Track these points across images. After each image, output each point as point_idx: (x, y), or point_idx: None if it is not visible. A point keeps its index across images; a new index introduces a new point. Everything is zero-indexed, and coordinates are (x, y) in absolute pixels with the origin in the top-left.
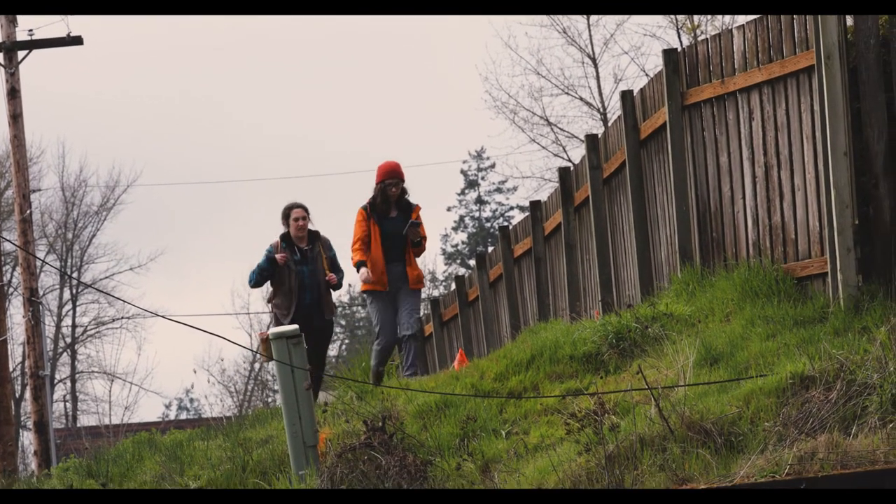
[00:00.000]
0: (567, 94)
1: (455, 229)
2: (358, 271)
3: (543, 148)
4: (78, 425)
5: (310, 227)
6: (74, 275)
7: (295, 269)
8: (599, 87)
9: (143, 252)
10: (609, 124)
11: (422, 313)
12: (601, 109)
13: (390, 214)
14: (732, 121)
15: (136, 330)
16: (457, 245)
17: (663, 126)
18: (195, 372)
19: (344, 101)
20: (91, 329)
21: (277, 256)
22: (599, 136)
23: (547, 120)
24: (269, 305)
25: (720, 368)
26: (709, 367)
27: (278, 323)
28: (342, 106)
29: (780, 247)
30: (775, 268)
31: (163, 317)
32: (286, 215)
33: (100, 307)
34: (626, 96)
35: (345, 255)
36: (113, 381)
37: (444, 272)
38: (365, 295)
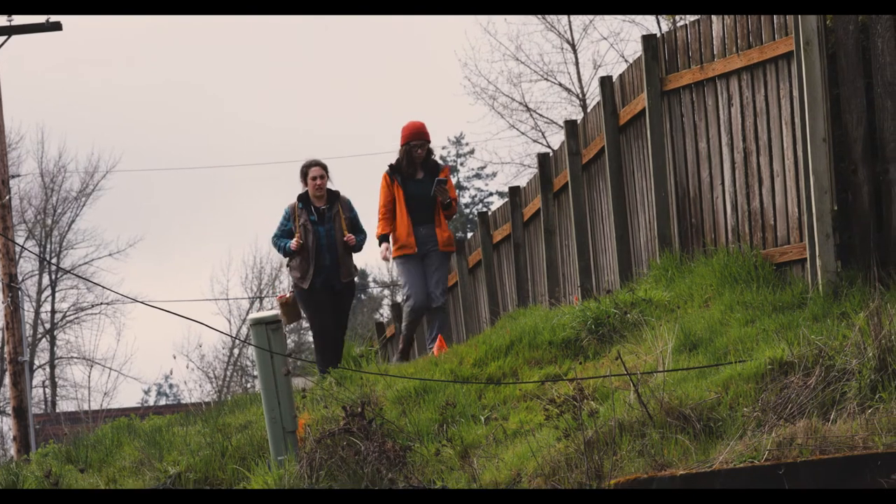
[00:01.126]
0: (546, 79)
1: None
2: (380, 245)
3: (522, 134)
4: (57, 411)
5: (329, 186)
6: (53, 261)
7: (312, 229)
8: (579, 72)
9: (122, 238)
10: (588, 110)
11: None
12: (580, 95)
13: (416, 176)
14: (711, 107)
15: (115, 316)
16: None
17: (642, 112)
18: (174, 357)
19: (323, 86)
20: (70, 315)
21: (291, 244)
22: (578, 122)
23: (526, 106)
24: (287, 269)
25: (699, 354)
26: (688, 352)
27: (296, 287)
28: (321, 92)
29: (759, 232)
30: (754, 253)
31: (142, 302)
32: (304, 174)
33: (79, 293)
34: (606, 82)
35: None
36: (92, 366)
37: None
38: (394, 259)
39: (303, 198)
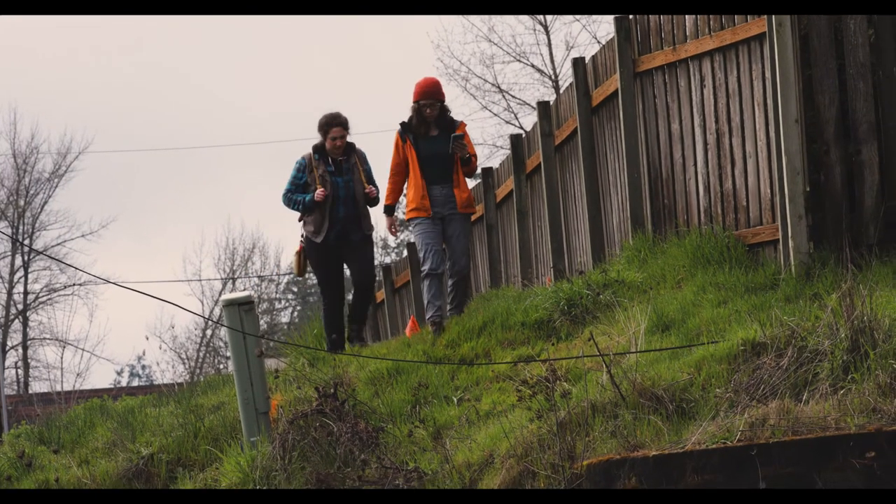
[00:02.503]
0: (519, 61)
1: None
2: (386, 216)
3: (495, 115)
4: (30, 392)
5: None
6: (26, 242)
7: (330, 179)
8: (551, 54)
9: (95, 219)
10: (561, 91)
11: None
12: (553, 77)
13: (430, 134)
14: (684, 88)
15: (87, 297)
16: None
17: (615, 93)
18: (147, 339)
19: (295, 68)
20: (43, 296)
21: (317, 194)
22: (551, 103)
23: (499, 87)
24: (301, 224)
25: (672, 335)
26: (660, 333)
27: (310, 244)
28: (293, 73)
29: (732, 214)
30: (727, 235)
31: (114, 283)
32: (324, 130)
33: (51, 274)
34: (578, 63)
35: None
36: (65, 347)
37: (396, 240)
38: (409, 222)
39: (318, 149)
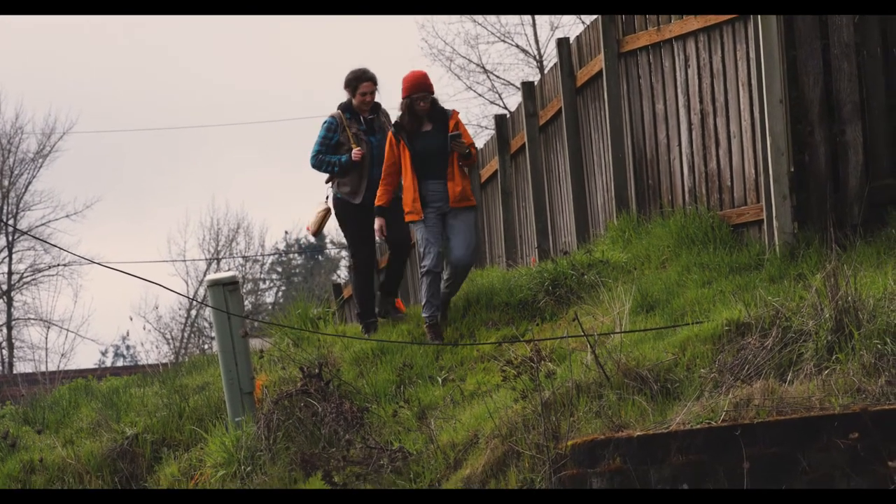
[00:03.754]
0: (503, 41)
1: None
2: (376, 217)
3: (480, 95)
4: (14, 372)
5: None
6: (10, 222)
7: (364, 138)
8: (536, 34)
9: (80, 199)
10: (545, 72)
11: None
12: (537, 57)
13: (423, 129)
14: (668, 68)
15: (72, 277)
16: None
17: (599, 73)
18: (131, 319)
19: (280, 48)
20: (27, 276)
21: (354, 154)
22: (536, 83)
23: (483, 67)
24: (330, 185)
25: (656, 315)
26: (645, 313)
27: (345, 205)
28: (278, 53)
29: (716, 194)
30: (711, 215)
31: (99, 264)
32: (353, 86)
33: (36, 254)
34: (563, 44)
35: None
36: (49, 328)
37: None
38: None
39: (346, 107)
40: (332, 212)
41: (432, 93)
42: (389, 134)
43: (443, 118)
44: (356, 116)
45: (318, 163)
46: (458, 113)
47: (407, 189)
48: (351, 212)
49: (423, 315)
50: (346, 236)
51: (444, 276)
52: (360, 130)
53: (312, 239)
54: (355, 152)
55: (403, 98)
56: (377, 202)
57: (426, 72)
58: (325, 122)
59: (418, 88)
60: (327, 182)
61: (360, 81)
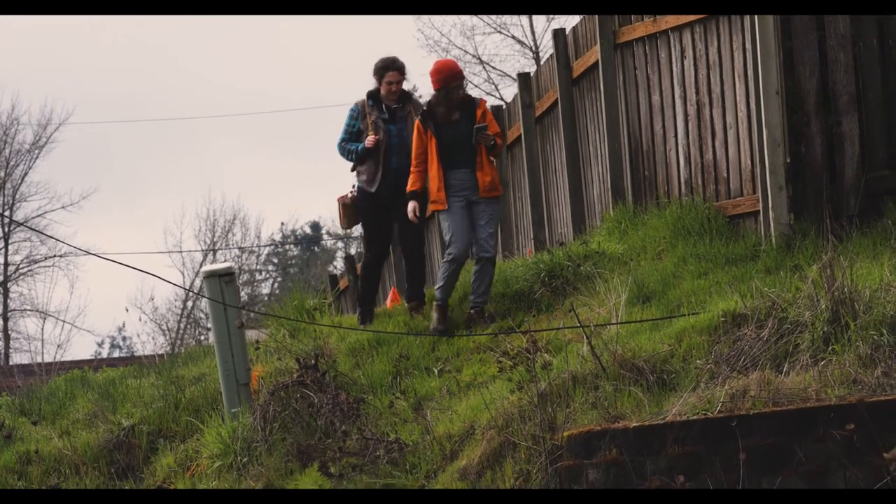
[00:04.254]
0: (499, 32)
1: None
2: (407, 202)
3: (476, 87)
4: (10, 363)
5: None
6: (6, 213)
7: (383, 126)
8: (532, 25)
9: (76, 190)
10: (541, 63)
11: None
12: (533, 48)
13: (451, 118)
14: (665, 59)
15: (68, 268)
16: (354, 184)
17: (595, 65)
18: (127, 310)
19: (277, 38)
20: (23, 267)
21: (367, 141)
22: (532, 74)
23: (479, 58)
24: (355, 173)
25: (652, 306)
26: (641, 304)
27: (364, 194)
28: (275, 44)
29: (712, 185)
30: (707, 206)
31: (95, 255)
32: (380, 74)
33: (32, 245)
34: (559, 35)
35: None
36: (45, 319)
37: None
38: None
39: (373, 95)
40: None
41: (464, 80)
42: (417, 122)
43: (470, 107)
44: (379, 104)
45: (342, 150)
46: (485, 102)
47: (432, 178)
48: (367, 200)
49: (436, 295)
50: (361, 224)
51: (474, 268)
52: (379, 118)
53: (340, 230)
54: (369, 139)
55: (438, 88)
56: (409, 188)
57: (455, 60)
58: (349, 110)
59: (455, 77)
60: (352, 171)
61: (387, 70)
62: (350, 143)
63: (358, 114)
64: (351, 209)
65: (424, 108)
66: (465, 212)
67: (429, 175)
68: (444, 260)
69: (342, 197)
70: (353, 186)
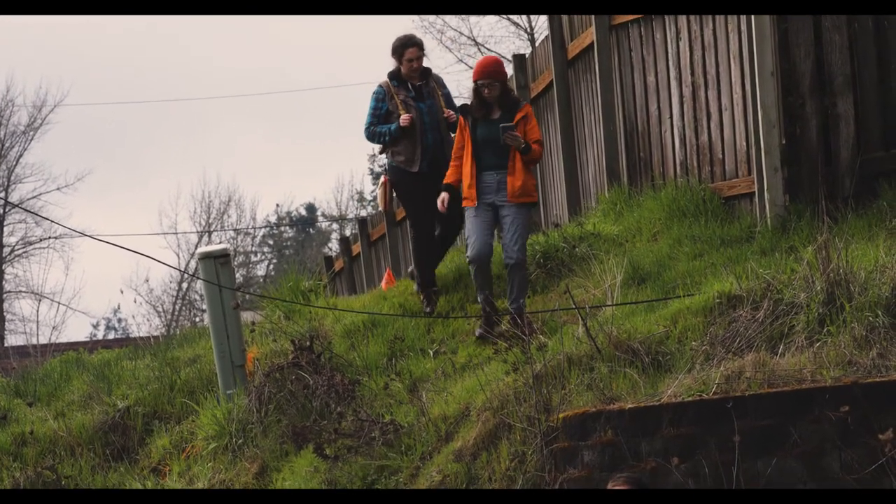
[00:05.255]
0: (494, 13)
1: (383, 150)
2: (439, 194)
3: (471, 68)
4: (5, 345)
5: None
6: (1, 195)
7: (413, 104)
8: None
9: (71, 172)
10: (536, 44)
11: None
12: (529, 29)
13: (492, 116)
14: (660, 41)
15: (63, 250)
16: (384, 165)
17: (591, 46)
18: (122, 292)
19: (274, 19)
20: (19, 249)
21: (402, 120)
22: (526, 56)
23: (474, 40)
24: (385, 155)
25: (647, 288)
26: (636, 286)
27: (402, 174)
28: (272, 24)
29: (708, 166)
30: (702, 187)
31: (90, 236)
32: (398, 52)
33: (27, 227)
34: (554, 17)
35: None
36: (41, 300)
37: (372, 192)
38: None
39: (394, 75)
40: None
41: (501, 80)
42: (460, 117)
43: (512, 108)
44: (404, 83)
45: (371, 135)
46: (529, 106)
47: (465, 175)
48: (408, 180)
49: (478, 298)
50: (404, 206)
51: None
52: (408, 97)
53: (383, 208)
54: (403, 118)
55: (473, 82)
56: (446, 180)
57: (500, 59)
58: (373, 93)
59: (484, 75)
60: (381, 153)
61: (406, 48)
62: (379, 126)
63: (384, 95)
64: (389, 191)
65: (466, 102)
66: (490, 214)
67: (463, 171)
68: (468, 262)
69: (385, 179)
70: (384, 168)
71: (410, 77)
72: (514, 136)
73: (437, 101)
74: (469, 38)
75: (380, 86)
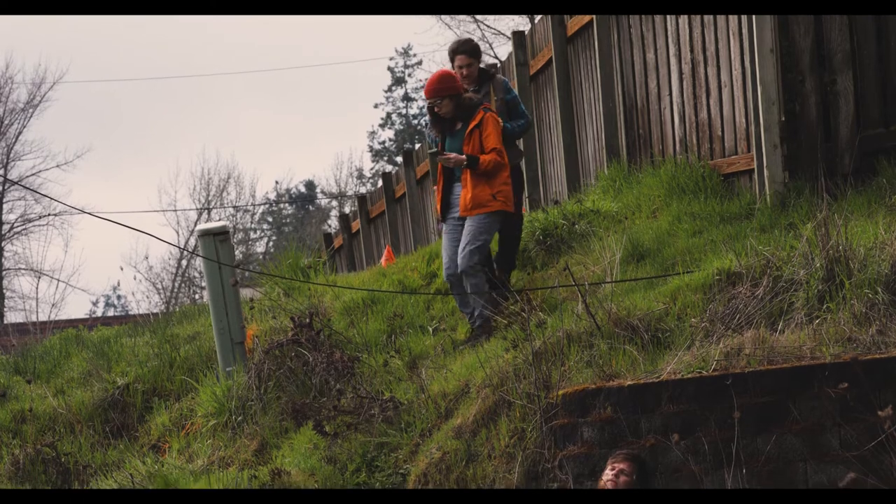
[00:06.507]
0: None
1: (382, 126)
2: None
3: None
4: (5, 322)
5: (482, 66)
6: (0, 172)
7: (436, 149)
8: None
9: (70, 149)
10: (536, 21)
11: (480, 239)
12: None
13: (455, 128)
14: (659, 17)
15: (62, 227)
16: (384, 142)
17: (590, 23)
18: (122, 269)
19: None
20: (18, 226)
21: (433, 132)
22: (526, 32)
23: (473, 17)
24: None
25: (647, 265)
26: (635, 263)
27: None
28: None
29: (707, 143)
30: (702, 164)
31: (89, 213)
32: (451, 60)
33: (26, 204)
34: None
35: None
36: (40, 278)
37: (372, 169)
38: None
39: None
40: None
41: (450, 94)
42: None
43: (471, 118)
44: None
45: (427, 135)
46: (485, 112)
47: (437, 192)
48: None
49: (462, 311)
50: None
51: None
52: (434, 142)
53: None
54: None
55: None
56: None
57: (446, 73)
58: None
59: (430, 93)
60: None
61: (454, 55)
62: (429, 130)
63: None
64: None
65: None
66: (457, 231)
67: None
68: None
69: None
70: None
71: (465, 83)
72: (445, 158)
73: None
74: (468, 14)
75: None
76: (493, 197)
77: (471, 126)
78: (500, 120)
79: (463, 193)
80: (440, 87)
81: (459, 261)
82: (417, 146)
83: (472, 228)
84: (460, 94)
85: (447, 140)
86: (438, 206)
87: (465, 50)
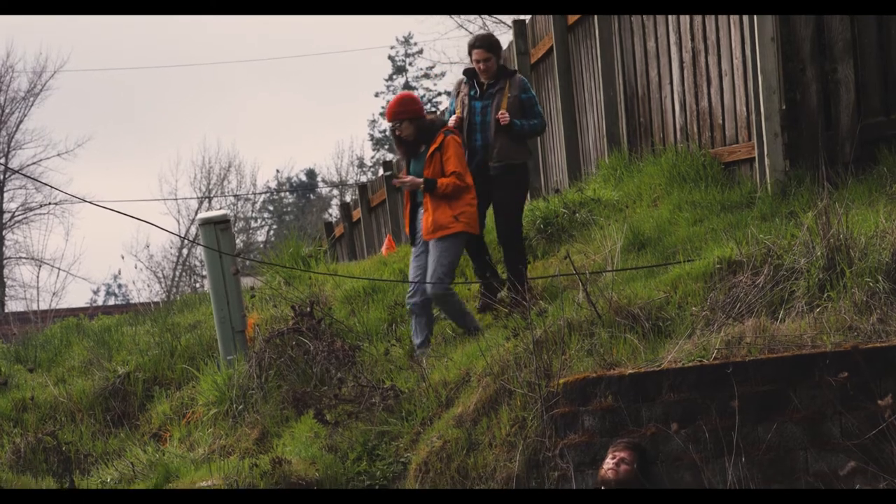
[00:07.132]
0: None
1: (383, 115)
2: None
3: (470, 34)
4: (6, 311)
5: (504, 64)
6: (1, 161)
7: (468, 104)
8: None
9: (71, 138)
10: None
11: (445, 262)
12: None
13: (419, 151)
14: None
15: (63, 216)
16: (385, 131)
17: None
18: (123, 258)
19: None
20: (19, 215)
21: (451, 120)
22: (527, 21)
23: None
24: None
25: (648, 253)
26: (636, 252)
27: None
28: None
29: (708, 132)
30: (703, 153)
31: (90, 202)
32: (469, 53)
33: (27, 193)
34: None
35: None
36: (41, 266)
37: (373, 158)
38: None
39: (470, 72)
40: None
41: (410, 117)
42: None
43: (432, 141)
44: (472, 81)
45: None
46: (444, 135)
47: (404, 216)
48: None
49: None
50: None
51: None
52: (467, 95)
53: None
54: (451, 119)
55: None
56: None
57: (404, 96)
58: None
59: (391, 116)
60: None
61: (472, 49)
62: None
63: (456, 92)
64: None
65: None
66: (423, 257)
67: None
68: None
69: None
70: None
71: (483, 76)
72: (401, 181)
73: (499, 102)
74: (468, 14)
75: (456, 83)
76: (455, 219)
77: (431, 149)
78: (461, 141)
79: (425, 217)
80: (399, 111)
81: (429, 289)
82: None
83: (435, 254)
84: (421, 118)
85: (411, 163)
86: (407, 230)
87: (483, 45)
